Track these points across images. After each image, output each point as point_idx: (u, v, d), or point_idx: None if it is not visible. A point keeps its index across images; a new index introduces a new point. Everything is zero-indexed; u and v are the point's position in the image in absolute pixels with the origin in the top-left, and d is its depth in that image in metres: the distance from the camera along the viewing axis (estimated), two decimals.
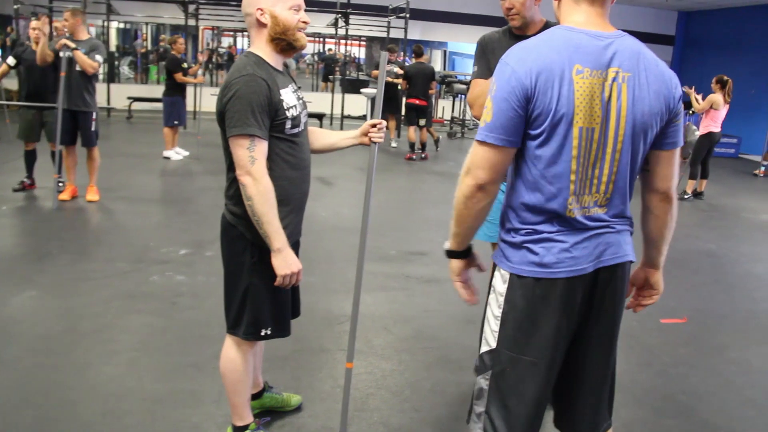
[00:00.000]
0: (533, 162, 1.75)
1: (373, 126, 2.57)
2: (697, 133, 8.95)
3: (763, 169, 11.80)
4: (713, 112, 8.68)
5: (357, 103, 14.40)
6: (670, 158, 1.87)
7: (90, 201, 6.36)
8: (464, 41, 18.65)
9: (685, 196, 8.80)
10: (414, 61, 10.84)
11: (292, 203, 2.40)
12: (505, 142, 1.71)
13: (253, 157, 2.19)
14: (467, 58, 22.70)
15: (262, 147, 2.22)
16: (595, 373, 1.93)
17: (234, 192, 2.32)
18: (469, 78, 16.23)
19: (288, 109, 2.30)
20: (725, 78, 8.76)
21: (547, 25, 3.07)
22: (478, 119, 3.17)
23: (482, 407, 1.88)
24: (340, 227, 6.00)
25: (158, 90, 13.52)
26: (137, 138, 11.04)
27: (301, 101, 2.41)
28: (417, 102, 10.48)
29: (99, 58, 6.01)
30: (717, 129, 8.76)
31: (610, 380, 1.99)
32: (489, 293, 1.91)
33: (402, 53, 14.07)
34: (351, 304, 4.19)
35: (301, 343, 3.58)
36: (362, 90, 13.03)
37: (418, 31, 15.69)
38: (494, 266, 1.91)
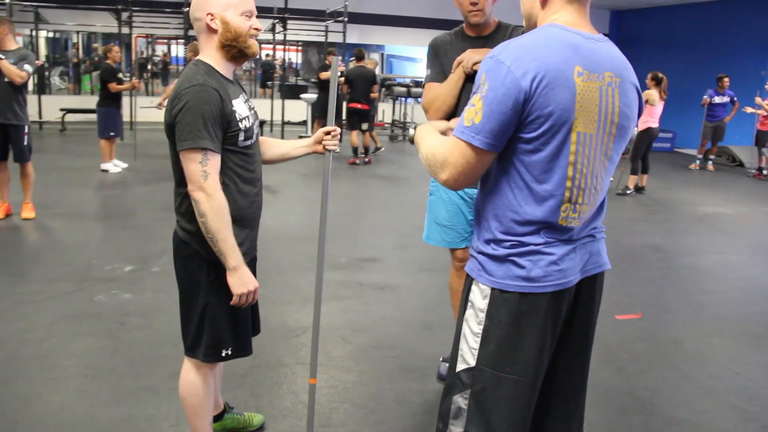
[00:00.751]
0: (526, 167, 1.66)
1: (327, 133, 2.49)
2: (636, 129, 9.15)
3: (698, 162, 12.17)
4: (650, 108, 8.89)
5: (297, 109, 14.26)
6: None
7: (25, 219, 6.07)
8: (402, 44, 18.72)
9: (627, 192, 8.98)
10: (355, 64, 10.78)
11: (246, 218, 2.30)
12: (491, 147, 1.62)
13: (206, 172, 2.07)
14: (405, 60, 22.83)
15: (215, 161, 2.11)
16: (572, 382, 1.90)
17: (186, 208, 2.20)
18: (407, 80, 16.32)
19: (241, 120, 2.19)
20: (660, 75, 8.99)
21: (500, 26, 3.05)
22: None
23: (460, 427, 1.78)
24: (288, 236, 5.88)
25: (92, 101, 13.11)
26: (72, 151, 10.66)
27: (252, 111, 2.31)
28: (359, 106, 10.42)
29: (28, 68, 5.75)
30: (655, 124, 8.99)
31: (584, 393, 1.96)
32: (465, 308, 1.81)
33: (340, 57, 13.99)
34: (306, 316, 4.14)
35: (258, 358, 3.45)
36: (302, 95, 12.94)
37: (355, 34, 15.64)
38: (470, 280, 1.80)
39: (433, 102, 3.03)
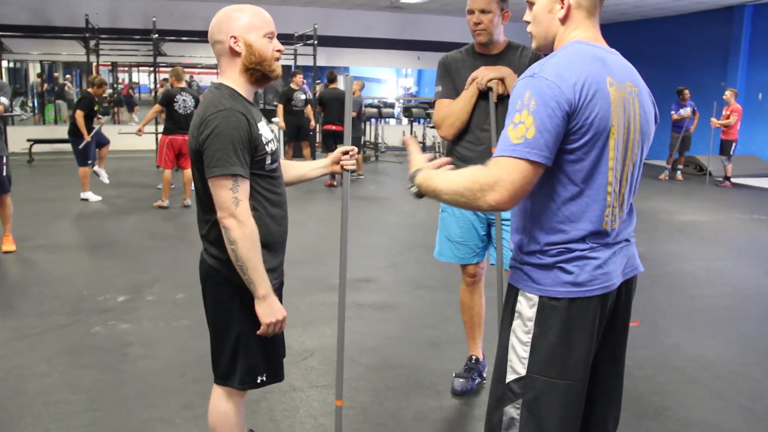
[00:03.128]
0: (569, 177, 1.72)
1: (345, 153, 2.50)
2: None
3: (666, 172, 12.42)
4: None
5: None
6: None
7: (6, 252, 5.92)
8: (370, 65, 18.85)
9: None
10: (328, 86, 10.80)
11: (277, 242, 2.28)
12: (546, 160, 1.65)
13: (237, 198, 2.04)
14: (370, 81, 22.95)
15: (245, 187, 2.08)
16: (612, 383, 1.95)
17: (217, 235, 2.15)
18: (377, 101, 16.36)
19: (267, 143, 2.17)
20: None
21: (510, 45, 3.10)
22: (447, 139, 3.16)
23: None
24: None
25: (58, 130, 12.93)
26: (44, 182, 10.45)
27: (274, 134, 2.30)
28: (333, 128, 10.42)
29: (4, 100, 5.64)
30: None
31: (621, 391, 2.00)
32: (512, 319, 1.83)
33: (303, 80, 13.99)
34: (310, 339, 4.13)
35: None
36: (273, 119, 12.89)
37: (323, 57, 15.68)
38: (514, 290, 1.84)
39: (446, 118, 3.06)
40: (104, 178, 8.92)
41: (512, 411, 1.81)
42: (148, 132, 8.72)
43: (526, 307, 1.79)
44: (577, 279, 1.73)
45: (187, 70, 10.91)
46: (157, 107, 8.41)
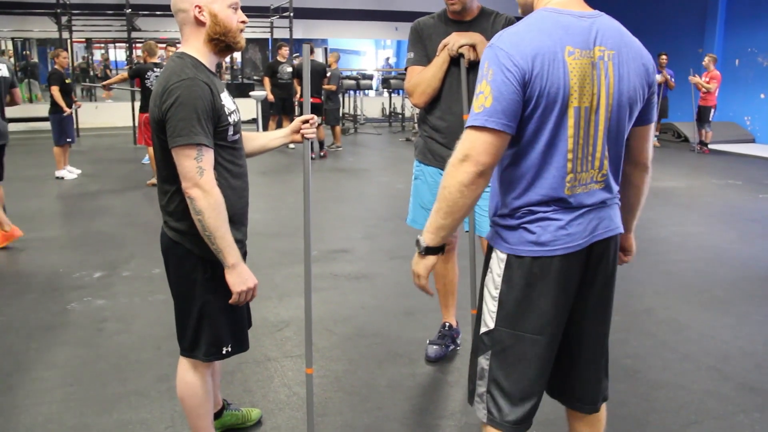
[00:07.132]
0: (531, 145, 1.75)
1: (305, 122, 2.50)
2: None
3: None
4: None
5: (246, 107, 14.07)
6: (647, 133, 1.96)
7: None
8: (347, 37, 18.70)
9: None
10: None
11: (238, 213, 2.28)
12: (506, 127, 1.70)
13: (201, 168, 2.03)
14: (349, 53, 22.79)
15: (209, 156, 2.07)
16: (594, 343, 1.98)
17: (176, 207, 2.16)
18: (354, 73, 16.26)
19: (230, 114, 2.17)
20: None
21: (483, 12, 3.08)
22: (419, 107, 3.15)
23: (484, 387, 1.90)
24: (256, 232, 5.76)
25: (30, 109, 12.76)
26: (17, 161, 10.26)
27: (236, 106, 2.29)
28: (311, 100, 10.34)
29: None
30: None
31: (606, 350, 2.04)
32: (485, 274, 1.92)
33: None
34: (285, 310, 4.15)
35: (244, 354, 3.39)
36: (251, 93, 12.80)
37: (300, 30, 15.52)
38: (490, 248, 1.91)
39: (418, 85, 3.04)
40: (73, 172, 8.76)
41: (483, 362, 1.91)
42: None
43: (497, 264, 1.87)
44: (539, 239, 1.79)
45: (161, 45, 10.76)
46: (123, 75, 8.38)
